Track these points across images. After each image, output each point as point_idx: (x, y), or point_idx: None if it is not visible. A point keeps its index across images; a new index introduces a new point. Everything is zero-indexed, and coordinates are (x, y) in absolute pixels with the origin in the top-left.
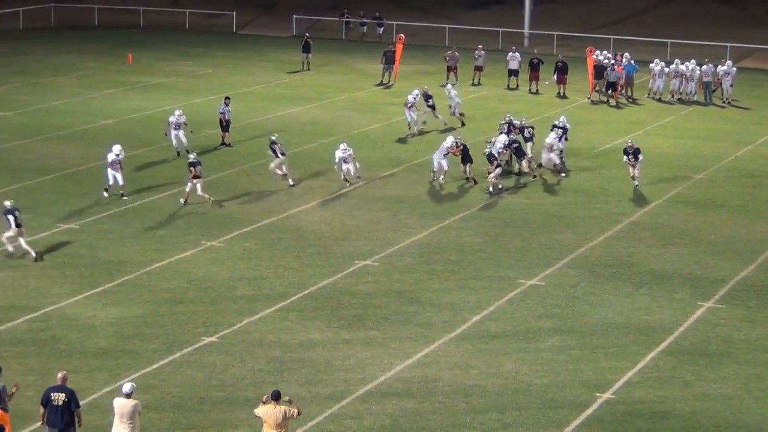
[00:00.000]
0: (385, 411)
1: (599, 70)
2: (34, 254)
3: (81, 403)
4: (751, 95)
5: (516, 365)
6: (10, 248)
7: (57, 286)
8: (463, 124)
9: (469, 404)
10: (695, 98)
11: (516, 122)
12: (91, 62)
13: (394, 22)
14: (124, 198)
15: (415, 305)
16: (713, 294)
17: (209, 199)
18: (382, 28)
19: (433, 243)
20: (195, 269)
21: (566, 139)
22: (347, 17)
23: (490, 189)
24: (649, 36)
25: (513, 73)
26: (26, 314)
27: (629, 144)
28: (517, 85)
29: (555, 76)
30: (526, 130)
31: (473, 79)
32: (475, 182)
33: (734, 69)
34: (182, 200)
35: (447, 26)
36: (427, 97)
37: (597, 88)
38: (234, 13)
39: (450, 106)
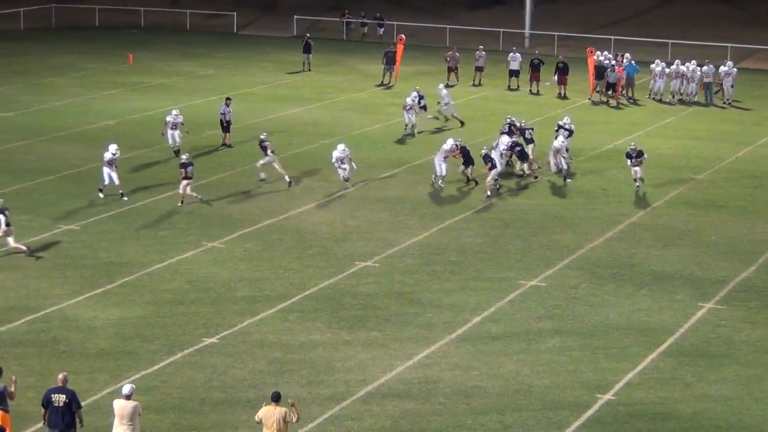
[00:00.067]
0: (386, 412)
1: (600, 71)
2: (25, 248)
3: (82, 404)
4: (751, 96)
5: (517, 366)
6: None
7: (57, 287)
8: (462, 124)
9: (470, 405)
10: (696, 99)
11: (517, 123)
12: (92, 63)
13: (395, 23)
14: (124, 198)
15: (415, 306)
16: (714, 295)
17: (198, 197)
18: (382, 29)
19: (434, 244)
20: (196, 270)
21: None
22: (348, 18)
23: (488, 193)
24: (649, 36)
25: (514, 73)
26: (27, 315)
27: (632, 147)
28: (518, 86)
29: (556, 77)
30: (526, 131)
31: (474, 80)
32: (476, 183)
33: (735, 70)
34: (179, 203)
35: (448, 27)
36: (419, 98)
37: (597, 89)
38: (235, 13)
39: (439, 103)
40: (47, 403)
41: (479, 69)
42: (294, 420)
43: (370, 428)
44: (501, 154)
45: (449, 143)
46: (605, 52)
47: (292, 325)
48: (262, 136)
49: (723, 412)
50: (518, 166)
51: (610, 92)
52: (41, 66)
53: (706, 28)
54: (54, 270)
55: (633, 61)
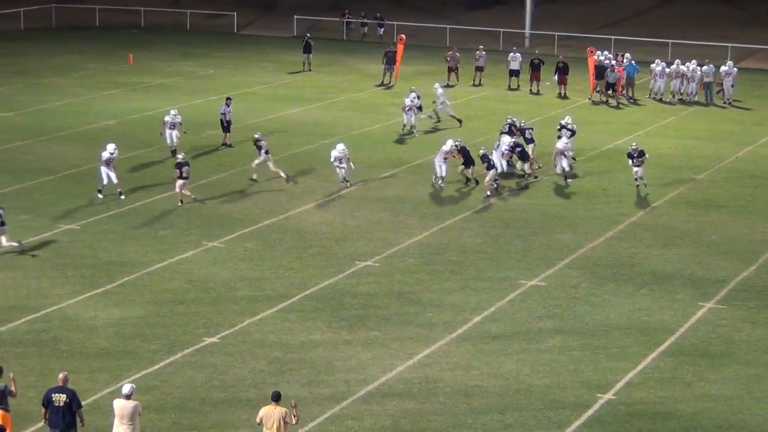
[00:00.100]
0: (386, 412)
1: (600, 71)
2: (17, 243)
3: (82, 403)
4: (752, 95)
5: (517, 366)
6: None
7: (58, 286)
8: (460, 123)
9: (470, 405)
10: (696, 99)
11: (517, 123)
12: (92, 63)
13: (395, 23)
14: (122, 197)
15: (416, 306)
16: (714, 295)
17: (192, 197)
18: (382, 29)
19: (434, 244)
20: (196, 270)
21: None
22: (348, 18)
23: (488, 193)
24: (650, 36)
25: (514, 73)
26: (27, 315)
27: (633, 147)
28: (518, 86)
29: (556, 77)
30: (526, 131)
31: (474, 80)
32: (477, 183)
33: (735, 69)
34: (179, 203)
35: (448, 27)
36: (417, 97)
37: (598, 89)
38: (235, 13)
39: (434, 102)
40: (48, 402)
41: (479, 69)
42: (293, 422)
43: (371, 428)
44: (502, 154)
45: (448, 144)
46: (605, 52)
47: (293, 325)
48: (256, 136)
49: (723, 411)
50: (519, 165)
51: (609, 92)
52: (41, 66)
53: (706, 28)
54: (54, 270)
55: (633, 61)
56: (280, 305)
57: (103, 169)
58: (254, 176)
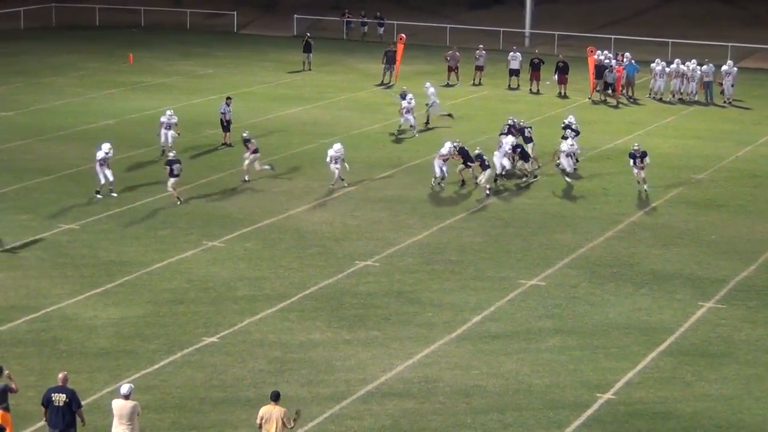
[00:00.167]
0: (386, 411)
1: (600, 70)
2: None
3: (82, 403)
4: (752, 95)
5: (517, 366)
6: None
7: (58, 286)
8: (426, 122)
9: (470, 405)
10: (696, 98)
11: (517, 124)
12: (92, 62)
13: (395, 22)
14: (114, 195)
15: (415, 305)
16: (714, 294)
17: (176, 199)
18: (382, 28)
19: (434, 243)
20: (196, 269)
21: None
22: (348, 17)
23: (487, 192)
24: (650, 36)
25: (514, 72)
26: (27, 315)
27: (635, 147)
28: (518, 85)
29: (556, 76)
30: (525, 129)
31: (474, 79)
32: (476, 185)
33: (735, 69)
34: (177, 202)
35: (448, 26)
36: (404, 97)
37: (598, 88)
38: (235, 12)
39: (427, 105)
40: (47, 402)
41: (479, 68)
42: (290, 425)
43: (370, 427)
44: (505, 154)
45: (446, 147)
46: (605, 52)
47: (292, 325)
48: (244, 135)
49: (723, 411)
50: (519, 165)
51: (608, 91)
52: (41, 65)
53: (706, 27)
54: (54, 269)
55: (633, 61)
56: (279, 305)
57: (99, 169)
58: (246, 177)
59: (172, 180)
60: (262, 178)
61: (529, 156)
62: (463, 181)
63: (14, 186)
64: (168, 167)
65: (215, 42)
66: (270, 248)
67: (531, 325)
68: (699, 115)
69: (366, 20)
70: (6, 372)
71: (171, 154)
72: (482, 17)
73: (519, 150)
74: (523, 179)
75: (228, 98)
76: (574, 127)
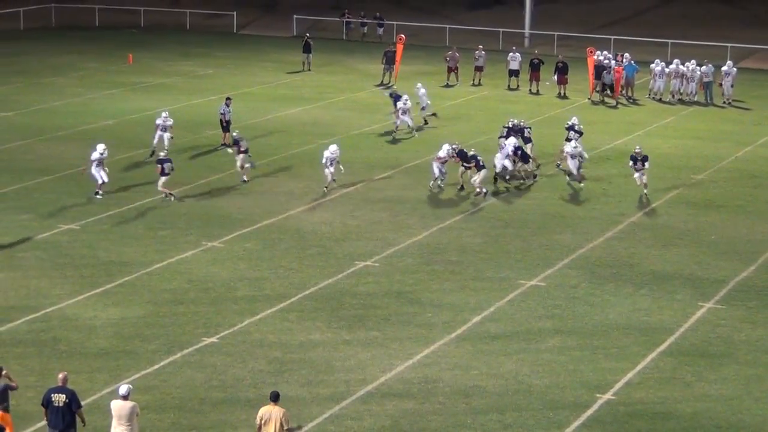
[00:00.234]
0: (386, 412)
1: (600, 71)
2: None
3: (82, 403)
4: (751, 95)
5: (516, 366)
6: None
7: (57, 286)
8: (425, 123)
9: (470, 405)
10: (696, 99)
11: (515, 125)
12: (92, 62)
13: (395, 23)
14: (99, 196)
15: (415, 306)
16: (714, 295)
17: (169, 195)
18: (382, 29)
19: (434, 244)
20: (195, 270)
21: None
22: (348, 17)
23: (484, 191)
24: (649, 36)
25: (513, 73)
26: (27, 315)
27: (637, 151)
28: (518, 86)
29: (555, 77)
30: (525, 130)
31: (474, 80)
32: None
33: (734, 69)
34: (171, 198)
35: (447, 26)
36: (396, 98)
37: (597, 89)
38: (235, 13)
39: (423, 109)
40: (47, 403)
41: (479, 69)
42: (286, 427)
43: (370, 428)
44: (506, 156)
45: (444, 150)
46: (605, 52)
47: (292, 325)
48: (235, 135)
49: (723, 411)
50: (519, 166)
51: (607, 91)
52: (41, 66)
53: (705, 27)
54: (54, 269)
55: (632, 61)
56: (279, 305)
57: (95, 170)
58: (244, 178)
59: (163, 179)
60: (260, 179)
61: (529, 157)
62: (462, 185)
63: (14, 186)
64: (159, 166)
65: (215, 42)
66: (270, 248)
67: (531, 326)
68: (698, 115)
69: (365, 21)
70: (4, 372)
71: (162, 154)
72: (482, 18)
73: (519, 152)
74: (523, 181)
75: (228, 99)
76: (577, 128)
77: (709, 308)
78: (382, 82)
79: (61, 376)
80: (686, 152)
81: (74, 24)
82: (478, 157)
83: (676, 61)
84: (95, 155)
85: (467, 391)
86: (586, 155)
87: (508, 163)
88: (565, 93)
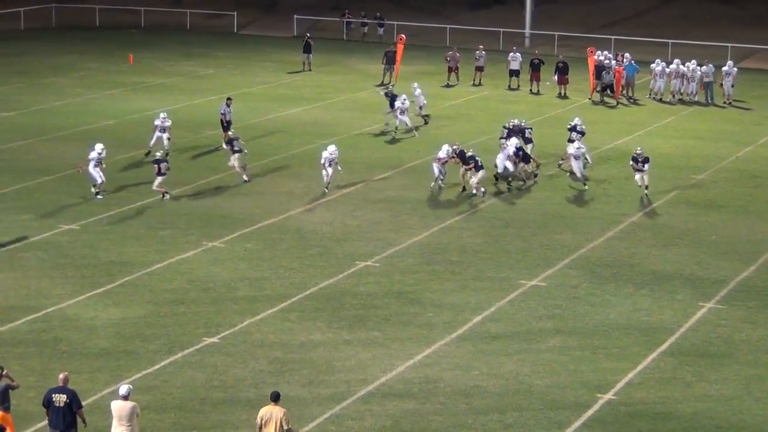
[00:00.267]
0: (386, 412)
1: (599, 71)
2: None
3: (83, 404)
4: (752, 95)
5: (517, 366)
6: None
7: (58, 286)
8: (426, 123)
9: (470, 405)
10: (696, 99)
11: (516, 125)
12: (93, 62)
13: (395, 23)
14: (99, 197)
15: (416, 306)
16: (714, 295)
17: (164, 195)
18: (382, 29)
19: (434, 244)
20: (196, 270)
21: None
22: (348, 17)
23: (482, 191)
24: (649, 36)
25: (514, 73)
26: (27, 315)
27: (638, 152)
28: (518, 86)
29: (556, 77)
30: (526, 130)
31: (474, 80)
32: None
33: (735, 69)
34: (167, 197)
35: (448, 26)
36: (393, 98)
37: (597, 89)
38: (235, 13)
39: (421, 108)
40: (48, 403)
41: (479, 69)
42: (286, 427)
43: (371, 428)
44: (508, 156)
45: (444, 150)
46: (605, 52)
47: (293, 325)
48: (230, 134)
49: (723, 411)
50: (519, 167)
51: (607, 91)
52: (42, 66)
53: (706, 27)
54: (55, 270)
55: (633, 61)
56: (280, 305)
57: (93, 170)
58: (245, 177)
59: (159, 179)
60: (261, 179)
61: (529, 158)
62: (464, 186)
63: (15, 186)
64: (156, 166)
65: (215, 42)
66: (270, 249)
67: (531, 326)
68: (699, 115)
69: (366, 21)
70: (5, 372)
71: (158, 154)
72: (482, 18)
73: (521, 152)
74: (524, 182)
75: (228, 99)
76: (579, 128)
77: (709, 308)
78: (382, 82)
79: (61, 376)
80: (687, 152)
81: (75, 24)
82: (477, 158)
83: (676, 61)
84: (93, 154)
85: (468, 391)
86: (590, 158)
87: (509, 165)
88: (565, 93)
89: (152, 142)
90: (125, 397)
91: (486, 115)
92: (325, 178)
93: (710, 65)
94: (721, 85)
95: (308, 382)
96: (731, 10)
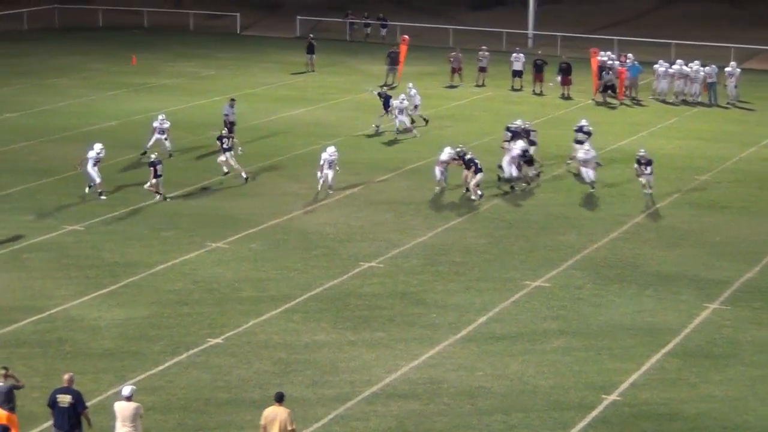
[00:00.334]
0: (391, 412)
1: (601, 71)
2: None
3: (87, 404)
4: (755, 96)
5: (521, 367)
6: None
7: (62, 287)
8: (426, 123)
9: (475, 406)
10: (699, 99)
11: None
12: (95, 63)
13: (398, 23)
14: (100, 195)
15: (420, 307)
16: (718, 295)
17: (157, 194)
18: (385, 30)
19: (438, 244)
20: (200, 270)
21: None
22: (351, 18)
23: (480, 194)
24: (652, 37)
25: (517, 74)
26: (32, 315)
27: (641, 154)
28: (521, 87)
29: (559, 78)
30: (531, 133)
31: (477, 81)
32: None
33: (738, 70)
34: (160, 197)
35: (451, 27)
36: (386, 99)
37: (600, 89)
38: (238, 14)
39: (416, 107)
40: (53, 404)
41: (482, 69)
42: (290, 428)
43: (375, 428)
44: (512, 158)
45: (446, 153)
46: (608, 53)
47: (297, 326)
48: (224, 131)
49: (728, 412)
50: (523, 170)
51: (608, 92)
52: (44, 67)
53: (709, 28)
54: (58, 270)
55: (636, 62)
56: (284, 306)
57: (91, 169)
58: (243, 174)
59: (154, 180)
60: (264, 180)
61: (533, 161)
62: (467, 188)
63: (18, 187)
64: (152, 168)
65: (218, 43)
66: (274, 249)
67: (536, 327)
68: (702, 116)
69: (369, 21)
70: (9, 371)
71: (153, 156)
72: (485, 18)
73: (526, 154)
74: (527, 184)
75: (232, 100)
76: (585, 129)
77: (713, 309)
78: (385, 83)
79: (66, 376)
80: (690, 153)
81: (78, 25)
82: (476, 161)
83: (679, 61)
84: (92, 154)
85: (472, 391)
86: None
87: (514, 170)
88: (568, 94)
89: (150, 144)
90: (128, 398)
91: (489, 116)
92: (320, 180)
93: (713, 66)
94: (725, 86)
95: (312, 383)
96: (734, 11)
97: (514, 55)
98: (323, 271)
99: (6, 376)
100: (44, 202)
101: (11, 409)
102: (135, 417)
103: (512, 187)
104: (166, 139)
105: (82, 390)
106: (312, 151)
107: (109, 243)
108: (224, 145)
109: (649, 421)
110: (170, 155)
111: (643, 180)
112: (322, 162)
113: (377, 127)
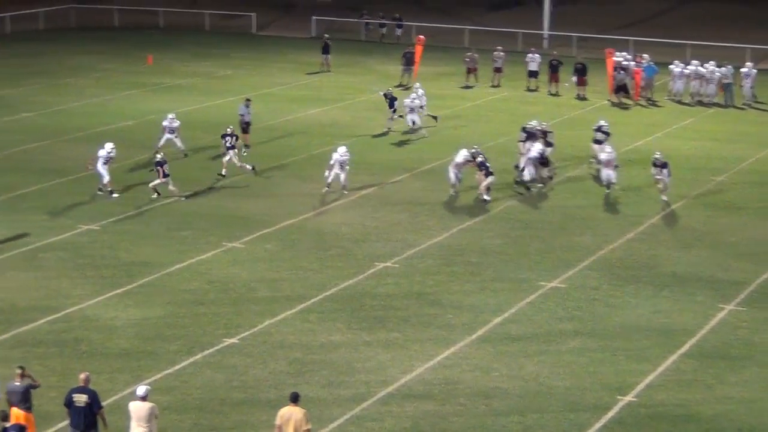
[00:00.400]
0: (406, 413)
1: (614, 70)
2: None
3: (103, 404)
4: None
5: (537, 368)
6: None
7: (78, 287)
8: (435, 118)
9: (490, 407)
10: (715, 100)
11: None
12: (111, 63)
13: (414, 24)
14: (104, 194)
15: (435, 307)
16: (734, 296)
17: (156, 195)
18: (401, 30)
19: (454, 245)
20: (216, 270)
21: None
22: (366, 18)
23: (486, 197)
24: (668, 38)
25: (532, 74)
26: (48, 315)
27: (657, 156)
28: (537, 87)
29: (575, 78)
30: (548, 134)
31: (492, 81)
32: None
33: (754, 71)
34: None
35: (467, 27)
36: (392, 100)
37: (614, 90)
38: (254, 14)
39: (420, 106)
40: (69, 403)
41: (498, 70)
42: (305, 428)
43: (391, 429)
44: (529, 160)
45: (461, 155)
46: (623, 53)
47: (312, 326)
48: (228, 129)
49: (744, 414)
50: (538, 171)
51: (621, 93)
52: (60, 67)
53: (724, 29)
54: (75, 270)
55: (652, 62)
56: (299, 306)
57: (101, 168)
58: (248, 167)
59: (161, 180)
60: (280, 180)
61: (548, 162)
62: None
63: (34, 187)
64: (160, 169)
65: (234, 43)
66: (290, 249)
67: (551, 327)
68: (718, 117)
69: (384, 21)
70: (26, 371)
71: (159, 156)
72: (501, 19)
73: (543, 155)
74: (542, 186)
75: (247, 100)
76: (604, 129)
77: (729, 310)
78: (401, 83)
79: (82, 376)
80: (706, 154)
81: (93, 25)
82: (487, 164)
83: (695, 62)
84: (102, 152)
85: (488, 392)
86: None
87: (531, 170)
88: (584, 94)
89: (161, 143)
90: (143, 398)
91: (505, 116)
92: (328, 179)
93: (729, 67)
94: (741, 86)
95: (328, 383)
96: (750, 12)
97: (529, 55)
98: (338, 272)
99: (22, 376)
100: (60, 202)
101: (28, 408)
102: (150, 417)
103: (528, 188)
104: (176, 137)
105: (98, 389)
106: (327, 152)
107: (124, 242)
108: (227, 144)
109: (664, 423)
110: (185, 155)
111: (660, 185)
112: (332, 162)
113: (388, 129)
